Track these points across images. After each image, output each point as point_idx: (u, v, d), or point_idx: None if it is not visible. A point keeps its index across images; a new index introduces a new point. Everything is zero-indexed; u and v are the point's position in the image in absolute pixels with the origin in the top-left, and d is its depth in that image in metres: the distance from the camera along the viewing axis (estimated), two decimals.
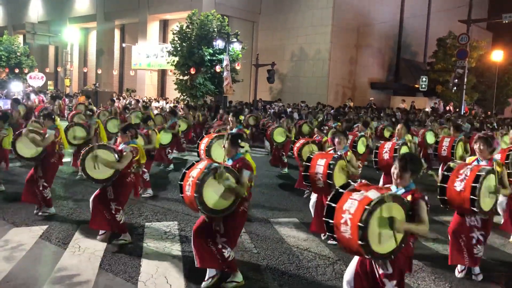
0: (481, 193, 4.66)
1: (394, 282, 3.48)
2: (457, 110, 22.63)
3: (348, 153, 6.13)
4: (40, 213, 6.75)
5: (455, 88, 22.62)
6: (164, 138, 10.25)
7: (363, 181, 3.63)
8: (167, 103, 25.34)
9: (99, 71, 36.83)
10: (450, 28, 28.38)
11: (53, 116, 7.12)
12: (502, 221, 6.63)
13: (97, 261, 5.16)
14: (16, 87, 27.97)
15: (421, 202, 3.49)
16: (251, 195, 4.82)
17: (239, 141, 4.67)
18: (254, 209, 7.67)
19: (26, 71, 34.44)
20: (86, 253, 5.39)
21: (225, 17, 24.01)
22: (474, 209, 4.71)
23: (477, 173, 4.75)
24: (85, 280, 4.69)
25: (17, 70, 34.53)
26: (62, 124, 7.70)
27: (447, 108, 24.48)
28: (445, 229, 6.72)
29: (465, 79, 21.93)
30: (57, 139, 6.93)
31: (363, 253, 3.25)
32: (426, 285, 4.89)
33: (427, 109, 22.78)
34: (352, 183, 3.57)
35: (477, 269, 5.09)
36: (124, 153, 5.57)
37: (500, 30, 35.78)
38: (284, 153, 11.44)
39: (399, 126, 8.17)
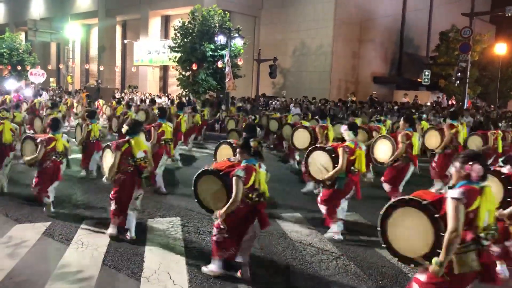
0: (310, 163, 6.33)
1: (216, 228, 4.64)
2: (460, 103, 22.50)
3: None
4: None
5: (458, 82, 22.48)
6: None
7: (232, 159, 4.99)
8: (169, 99, 25.34)
9: (101, 68, 36.77)
10: (453, 21, 28.14)
11: None
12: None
13: (100, 257, 5.18)
14: (10, 85, 27.53)
15: (233, 179, 4.28)
16: (135, 171, 5.68)
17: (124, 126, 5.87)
18: None
19: (28, 68, 34.35)
20: (89, 249, 5.41)
21: (226, 12, 23.88)
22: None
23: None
24: (88, 276, 4.71)
25: (19, 68, 34.47)
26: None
27: (450, 102, 24.35)
28: None
29: (468, 73, 21.77)
30: None
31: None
32: None
33: (428, 103, 22.67)
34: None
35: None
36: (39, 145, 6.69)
37: (504, 23, 35.39)
38: None
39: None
